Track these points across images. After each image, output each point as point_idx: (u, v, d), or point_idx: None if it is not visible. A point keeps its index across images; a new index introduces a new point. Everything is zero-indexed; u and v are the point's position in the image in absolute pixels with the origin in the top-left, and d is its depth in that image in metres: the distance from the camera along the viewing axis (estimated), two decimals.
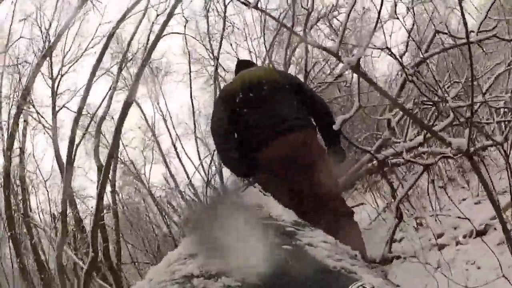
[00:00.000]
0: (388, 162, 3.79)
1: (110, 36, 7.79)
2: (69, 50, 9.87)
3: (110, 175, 9.06)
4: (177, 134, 12.81)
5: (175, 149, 12.19)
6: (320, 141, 2.38)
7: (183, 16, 10.01)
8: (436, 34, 3.29)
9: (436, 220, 3.91)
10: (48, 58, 8.74)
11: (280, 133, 2.08)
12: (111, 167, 9.15)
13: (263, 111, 2.19)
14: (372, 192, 5.70)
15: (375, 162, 3.78)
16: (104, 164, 7.13)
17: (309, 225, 1.63)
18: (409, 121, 3.70)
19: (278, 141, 2.07)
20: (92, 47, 9.97)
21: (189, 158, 12.49)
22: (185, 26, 10.35)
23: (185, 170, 11.32)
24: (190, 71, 11.44)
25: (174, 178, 12.02)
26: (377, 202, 5.65)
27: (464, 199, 4.35)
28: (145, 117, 13.06)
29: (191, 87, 11.36)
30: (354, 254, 1.34)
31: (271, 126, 2.14)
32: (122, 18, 7.89)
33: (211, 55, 10.61)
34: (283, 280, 1.12)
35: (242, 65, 2.66)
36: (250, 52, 10.59)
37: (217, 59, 9.82)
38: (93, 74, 7.57)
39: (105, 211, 8.44)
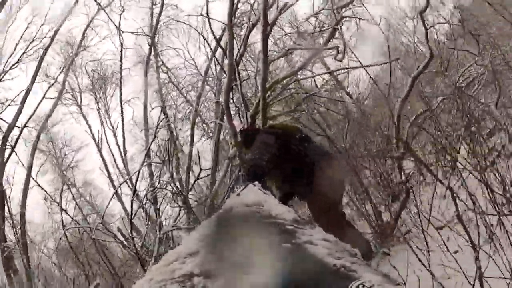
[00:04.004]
0: None
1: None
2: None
3: None
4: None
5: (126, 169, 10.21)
6: None
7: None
8: None
9: None
10: None
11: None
12: None
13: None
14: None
15: None
16: None
17: (309, 223, 1.67)
18: None
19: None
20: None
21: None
22: (120, 15, 9.85)
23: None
24: (122, 67, 10.22)
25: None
26: None
27: None
28: (91, 131, 11.50)
29: (120, 89, 10.16)
30: (354, 252, 1.36)
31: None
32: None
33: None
34: (283, 278, 1.13)
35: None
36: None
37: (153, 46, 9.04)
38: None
39: None
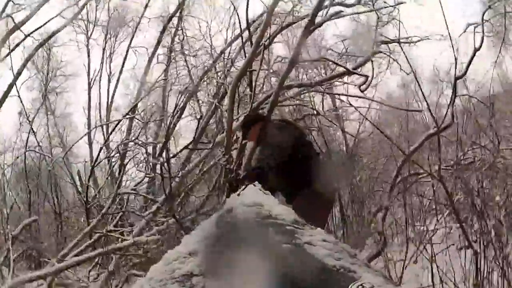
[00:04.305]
0: None
1: None
2: None
3: None
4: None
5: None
6: None
7: None
8: None
9: None
10: None
11: None
12: None
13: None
14: None
15: None
16: None
17: (309, 224, 1.70)
18: None
19: None
20: None
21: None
22: None
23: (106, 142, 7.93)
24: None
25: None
26: None
27: None
28: (89, 65, 10.91)
29: (133, 34, 9.81)
30: (354, 253, 1.40)
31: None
32: None
33: None
34: (283, 278, 1.14)
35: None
36: None
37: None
38: None
39: None
